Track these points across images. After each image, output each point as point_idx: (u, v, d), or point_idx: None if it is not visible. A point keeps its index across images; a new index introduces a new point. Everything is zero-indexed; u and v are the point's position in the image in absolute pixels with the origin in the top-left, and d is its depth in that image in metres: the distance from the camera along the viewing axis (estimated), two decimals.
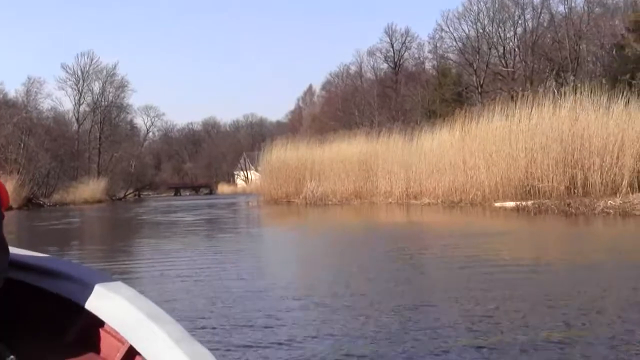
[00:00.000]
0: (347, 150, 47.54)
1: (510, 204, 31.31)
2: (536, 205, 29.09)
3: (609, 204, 25.15)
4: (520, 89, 67.37)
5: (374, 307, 8.94)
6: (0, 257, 2.58)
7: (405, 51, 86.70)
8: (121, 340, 2.45)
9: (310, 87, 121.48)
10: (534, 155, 32.73)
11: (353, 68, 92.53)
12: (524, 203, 30.56)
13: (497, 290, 9.80)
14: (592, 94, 33.05)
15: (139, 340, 2.35)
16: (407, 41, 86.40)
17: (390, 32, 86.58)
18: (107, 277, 2.73)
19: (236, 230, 27.36)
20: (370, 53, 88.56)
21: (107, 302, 2.52)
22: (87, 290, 2.59)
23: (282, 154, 52.21)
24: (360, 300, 9.53)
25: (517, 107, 35.78)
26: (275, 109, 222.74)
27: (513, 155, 33.52)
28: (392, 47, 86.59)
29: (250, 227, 30.12)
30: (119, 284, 2.63)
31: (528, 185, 32.57)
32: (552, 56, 66.96)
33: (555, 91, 38.57)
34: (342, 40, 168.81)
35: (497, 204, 32.22)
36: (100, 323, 2.54)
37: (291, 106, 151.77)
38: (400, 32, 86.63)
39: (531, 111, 34.67)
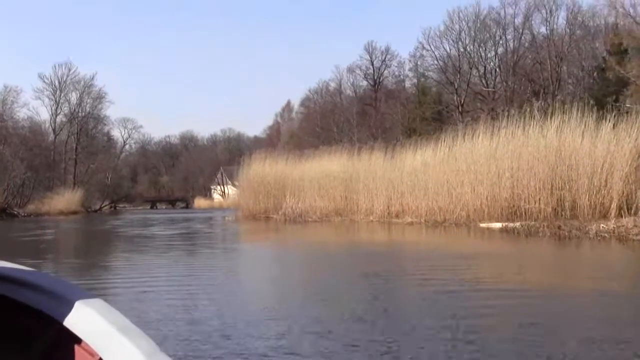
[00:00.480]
0: (328, 167, 46.57)
1: (497, 225, 30.46)
2: (525, 227, 28.22)
3: (601, 227, 24.28)
4: (501, 109, 67.29)
5: (337, 340, 7.99)
6: None
7: (385, 69, 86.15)
8: (92, 353, 2.42)
9: (289, 102, 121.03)
10: (520, 175, 31.93)
11: (332, 85, 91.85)
12: (511, 224, 29.72)
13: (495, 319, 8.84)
14: (579, 115, 32.31)
15: (110, 353, 2.32)
16: (387, 59, 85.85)
17: (370, 50, 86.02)
18: (78, 289, 2.67)
19: (214, 247, 26.24)
20: (350, 70, 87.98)
21: (78, 314, 2.48)
22: (59, 302, 2.55)
23: (260, 169, 51.14)
24: (326, 333, 8.48)
25: (501, 127, 35.05)
26: (253, 124, 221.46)
27: (499, 175, 32.72)
28: (372, 64, 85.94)
29: (228, 244, 28.89)
30: (91, 296, 2.59)
31: (514, 206, 31.76)
32: (533, 77, 66.53)
33: (540, 111, 37.98)
34: (322, 56, 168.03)
35: (483, 225, 31.38)
36: (72, 336, 2.50)
37: (269, 122, 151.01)
38: (381, 50, 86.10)
39: (516, 131, 33.90)
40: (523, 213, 31.11)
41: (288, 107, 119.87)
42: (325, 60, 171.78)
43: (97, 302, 2.56)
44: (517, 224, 29.71)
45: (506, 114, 39.88)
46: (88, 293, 2.65)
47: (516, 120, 34.58)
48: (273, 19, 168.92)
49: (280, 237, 32.66)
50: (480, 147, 35.02)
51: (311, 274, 15.42)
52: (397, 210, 39.41)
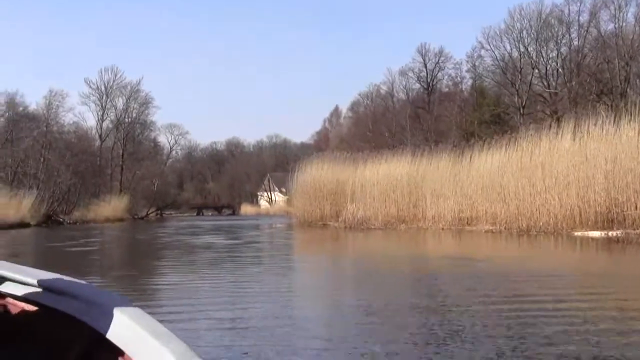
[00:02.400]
0: (390, 171, 42.94)
1: (595, 233, 26.70)
2: (629, 236, 24.43)
3: None
4: (564, 111, 63.28)
5: None
6: None
7: (438, 71, 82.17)
8: (125, 358, 2.34)
9: (337, 107, 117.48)
10: (617, 178, 28.08)
11: (384, 88, 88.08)
12: (612, 233, 25.93)
13: None
14: None
15: (143, 358, 2.25)
16: (440, 61, 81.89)
17: (423, 52, 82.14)
18: (117, 297, 2.54)
19: (274, 261, 22.63)
20: (403, 73, 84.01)
21: (115, 323, 2.39)
22: (97, 310, 2.47)
23: (317, 174, 47.58)
24: None
25: (589, 126, 31.23)
26: (300, 130, 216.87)
27: (591, 179, 28.89)
28: (426, 67, 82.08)
29: (289, 256, 25.20)
30: (129, 305, 2.48)
31: (610, 212, 27.91)
32: (600, 77, 62.39)
33: (608, 112, 34.19)
34: (371, 60, 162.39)
35: (577, 233, 27.57)
36: (108, 344, 2.40)
37: (316, 127, 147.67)
38: (434, 52, 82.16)
39: (609, 129, 30.07)
40: (623, 220, 27.26)
41: (336, 112, 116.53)
42: (375, 63, 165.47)
43: (134, 310, 2.41)
44: (619, 232, 25.94)
45: (574, 115, 36.43)
46: (125, 301, 2.48)
47: (604, 118, 30.78)
48: (320, 20, 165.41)
49: (343, 249, 28.90)
50: (567, 148, 31.18)
51: (394, 306, 11.76)
52: (469, 217, 35.68)
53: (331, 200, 46.12)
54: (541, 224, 30.21)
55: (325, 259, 22.28)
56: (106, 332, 2.39)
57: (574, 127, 32.25)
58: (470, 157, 38.53)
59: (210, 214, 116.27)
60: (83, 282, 2.80)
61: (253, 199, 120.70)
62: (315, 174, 47.75)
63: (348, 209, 42.40)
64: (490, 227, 33.01)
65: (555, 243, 25.94)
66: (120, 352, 2.34)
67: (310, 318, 9.84)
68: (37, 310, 2.76)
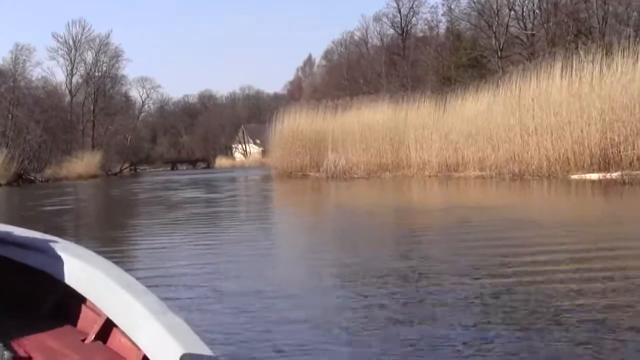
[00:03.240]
0: (370, 118, 41.31)
1: (593, 176, 25.34)
2: (629, 177, 23.10)
3: None
4: (542, 52, 61.83)
5: None
6: None
7: (412, 16, 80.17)
8: (98, 312, 2.40)
9: (310, 56, 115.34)
10: (613, 118, 26.69)
11: (358, 34, 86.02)
12: (610, 175, 24.61)
13: None
14: None
15: (116, 312, 2.29)
16: (414, 5, 79.86)
17: None
18: (84, 250, 2.62)
19: (256, 216, 20.98)
20: (377, 18, 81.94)
21: (84, 275, 2.43)
22: (65, 263, 2.51)
23: (295, 123, 45.82)
24: None
25: (581, 63, 29.73)
26: (272, 81, 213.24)
27: (586, 119, 27.48)
28: (399, 11, 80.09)
29: (270, 211, 23.32)
30: (95, 256, 2.55)
31: (606, 154, 26.55)
32: (577, 17, 60.77)
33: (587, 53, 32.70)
34: (343, 6, 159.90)
35: (574, 176, 26.21)
36: (77, 296, 2.48)
37: (289, 78, 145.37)
38: None
39: (602, 67, 28.59)
40: (620, 160, 25.93)
41: (309, 61, 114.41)
42: (347, 9, 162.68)
43: (102, 261, 2.47)
44: (617, 174, 24.63)
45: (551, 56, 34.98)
46: (92, 253, 2.53)
47: (600, 55, 29.30)
48: None
49: (326, 201, 27.19)
50: (558, 87, 29.70)
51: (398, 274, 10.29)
52: (455, 163, 34.25)
53: (311, 150, 44.51)
54: (534, 167, 28.78)
55: (309, 213, 20.63)
56: (76, 284, 2.40)
57: (562, 66, 30.74)
58: (453, 101, 37.04)
59: (184, 168, 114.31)
60: (52, 236, 2.71)
61: (228, 152, 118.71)
62: (292, 124, 46.02)
63: (329, 158, 40.81)
64: (480, 173, 31.59)
65: (553, 187, 24.53)
66: (91, 304, 2.36)
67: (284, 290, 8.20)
68: (4, 264, 2.72)
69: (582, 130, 27.34)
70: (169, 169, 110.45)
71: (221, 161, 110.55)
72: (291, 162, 45.11)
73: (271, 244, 12.89)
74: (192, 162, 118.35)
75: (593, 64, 29.11)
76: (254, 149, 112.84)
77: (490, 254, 9.85)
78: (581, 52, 35.32)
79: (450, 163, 34.56)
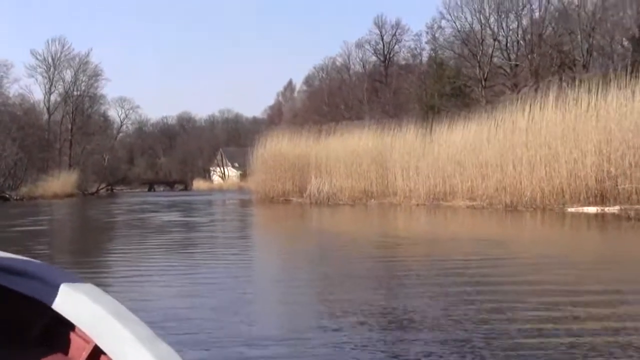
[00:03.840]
0: (355, 144, 40.23)
1: (591, 209, 24.30)
2: (629, 212, 22.08)
3: None
4: (525, 84, 61.22)
5: None
6: None
7: (395, 43, 79.61)
8: (87, 339, 2.36)
9: (291, 81, 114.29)
10: (610, 150, 25.74)
11: (340, 60, 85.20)
12: (609, 209, 23.60)
13: None
14: None
15: (105, 339, 2.26)
16: (397, 33, 79.36)
17: (380, 24, 79.53)
18: (72, 276, 2.59)
19: (240, 244, 19.79)
20: (359, 45, 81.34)
21: (72, 301, 2.39)
22: (53, 289, 2.46)
23: (278, 147, 44.60)
24: None
25: (577, 95, 28.83)
26: (252, 105, 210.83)
27: (581, 150, 26.51)
28: (382, 38, 79.47)
29: (251, 238, 22.07)
30: (84, 283, 2.51)
31: (603, 187, 25.56)
32: (561, 49, 60.23)
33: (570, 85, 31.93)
34: (325, 32, 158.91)
35: (571, 209, 25.16)
36: (66, 322, 2.43)
37: (268, 102, 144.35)
38: (391, 24, 79.59)
39: (598, 99, 27.69)
40: (617, 194, 24.95)
41: (290, 86, 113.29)
42: (330, 36, 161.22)
43: (90, 288, 2.43)
44: (616, 208, 23.62)
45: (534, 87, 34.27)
46: (80, 279, 2.50)
47: (595, 88, 28.41)
48: None
49: (313, 227, 25.99)
50: (552, 117, 28.76)
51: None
52: (444, 192, 33.17)
53: (293, 175, 43.31)
54: (527, 198, 27.74)
55: (293, 243, 19.17)
56: (64, 311, 2.31)
57: (555, 96, 29.87)
58: (439, 129, 36.08)
59: (162, 189, 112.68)
60: (38, 261, 2.66)
61: (205, 174, 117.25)
62: (275, 148, 44.82)
63: (313, 183, 39.60)
64: (471, 203, 30.48)
65: (550, 220, 23.41)
66: (79, 331, 2.29)
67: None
68: None
69: (576, 162, 26.36)
70: (146, 190, 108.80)
71: (199, 184, 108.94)
72: (273, 186, 43.88)
73: (254, 284, 11.59)
74: (170, 184, 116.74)
75: (589, 95, 28.21)
76: (232, 173, 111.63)
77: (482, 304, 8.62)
78: (565, 84, 34.73)
79: (438, 192, 33.49)
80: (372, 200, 36.88)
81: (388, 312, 7.83)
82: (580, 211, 24.65)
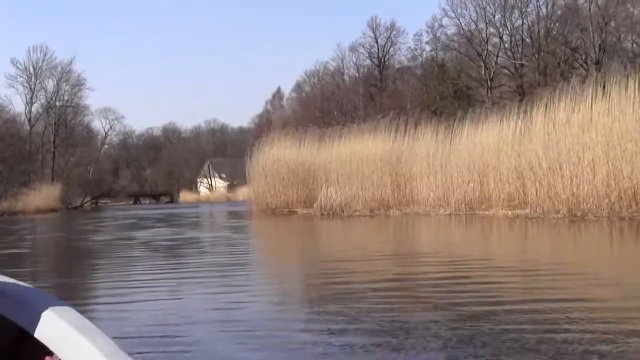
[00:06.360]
0: (365, 148, 35.53)
1: None
2: None
3: None
4: (530, 83, 56.80)
5: None
6: None
7: (390, 46, 74.94)
8: (49, 354, 2.24)
9: (279, 89, 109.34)
10: None
11: (333, 64, 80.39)
12: None
13: None
14: None
15: (68, 354, 2.16)
16: (392, 35, 74.71)
17: (374, 26, 74.90)
18: (34, 290, 2.40)
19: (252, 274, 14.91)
20: (353, 49, 76.49)
21: (36, 316, 2.27)
22: (18, 304, 2.31)
23: (279, 153, 39.72)
24: None
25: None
26: (237, 115, 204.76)
27: None
28: (377, 41, 74.83)
29: (256, 267, 16.34)
30: (47, 296, 2.38)
31: None
32: (572, 46, 55.89)
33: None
34: (316, 39, 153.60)
35: None
36: (28, 336, 2.28)
37: (255, 111, 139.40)
38: (385, 26, 74.94)
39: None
40: None
41: (279, 93, 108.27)
42: (319, 41, 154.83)
43: (54, 301, 2.29)
44: None
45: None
46: (54, 298, 2.31)
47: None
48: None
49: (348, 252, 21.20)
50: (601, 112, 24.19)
51: None
52: (478, 199, 28.48)
53: (297, 184, 38.50)
54: (589, 205, 23.04)
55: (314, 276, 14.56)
56: (33, 330, 2.27)
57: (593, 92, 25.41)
58: (460, 131, 31.56)
59: (147, 202, 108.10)
60: (9, 279, 2.49)
61: (192, 186, 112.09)
62: (275, 154, 39.97)
63: (325, 193, 34.70)
64: (515, 212, 25.76)
65: None
66: (47, 350, 2.22)
67: None
68: None
69: None
70: (132, 203, 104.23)
71: (186, 196, 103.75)
72: (275, 197, 39.00)
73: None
74: (156, 196, 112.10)
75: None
76: (219, 183, 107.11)
77: None
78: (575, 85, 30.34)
79: (470, 199, 28.81)
80: (393, 210, 32.16)
81: None
82: None
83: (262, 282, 12.29)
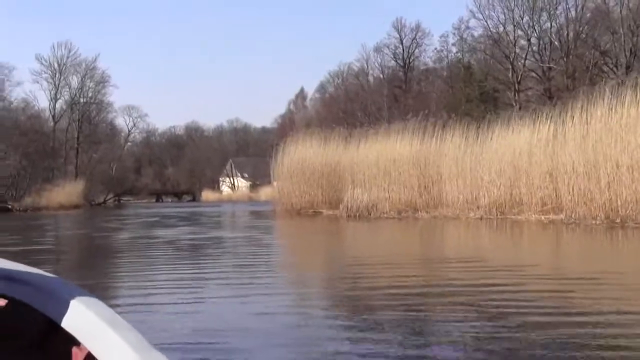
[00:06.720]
0: (393, 149, 34.83)
1: None
2: None
3: None
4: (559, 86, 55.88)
5: None
6: None
7: (415, 48, 74.17)
8: (79, 346, 2.27)
9: (302, 89, 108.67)
10: None
11: (357, 65, 79.71)
12: None
13: None
14: None
15: (97, 346, 2.15)
16: (418, 37, 73.94)
17: (399, 27, 74.15)
18: (63, 282, 2.42)
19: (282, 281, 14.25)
20: (378, 49, 75.74)
21: (64, 307, 2.26)
22: (44, 294, 2.31)
23: (305, 153, 39.09)
24: None
25: None
26: (260, 114, 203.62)
27: None
28: (402, 42, 74.07)
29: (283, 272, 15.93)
30: (74, 287, 2.38)
31: None
32: (602, 49, 54.89)
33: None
34: (338, 39, 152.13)
35: None
36: (58, 329, 2.29)
37: (277, 111, 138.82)
38: (410, 27, 74.19)
39: None
40: None
41: (302, 94, 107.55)
42: (344, 42, 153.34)
43: (83, 294, 2.28)
44: None
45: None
46: (82, 290, 2.31)
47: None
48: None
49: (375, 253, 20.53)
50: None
51: None
52: (509, 202, 27.72)
53: (323, 185, 37.85)
54: (627, 211, 22.23)
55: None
56: (60, 320, 2.26)
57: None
58: (490, 133, 30.82)
59: (169, 200, 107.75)
60: (37, 270, 2.52)
61: (214, 185, 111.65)
62: (301, 154, 39.34)
63: (351, 194, 34.04)
64: (549, 217, 24.99)
65: None
66: (75, 341, 2.24)
67: None
68: None
69: None
70: (154, 200, 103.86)
71: (207, 195, 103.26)
72: (300, 197, 38.38)
73: None
74: (178, 195, 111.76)
75: None
76: (241, 183, 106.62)
77: None
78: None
79: (501, 203, 28.05)
80: (420, 212, 31.46)
81: None
82: None
83: (292, 286, 11.70)
